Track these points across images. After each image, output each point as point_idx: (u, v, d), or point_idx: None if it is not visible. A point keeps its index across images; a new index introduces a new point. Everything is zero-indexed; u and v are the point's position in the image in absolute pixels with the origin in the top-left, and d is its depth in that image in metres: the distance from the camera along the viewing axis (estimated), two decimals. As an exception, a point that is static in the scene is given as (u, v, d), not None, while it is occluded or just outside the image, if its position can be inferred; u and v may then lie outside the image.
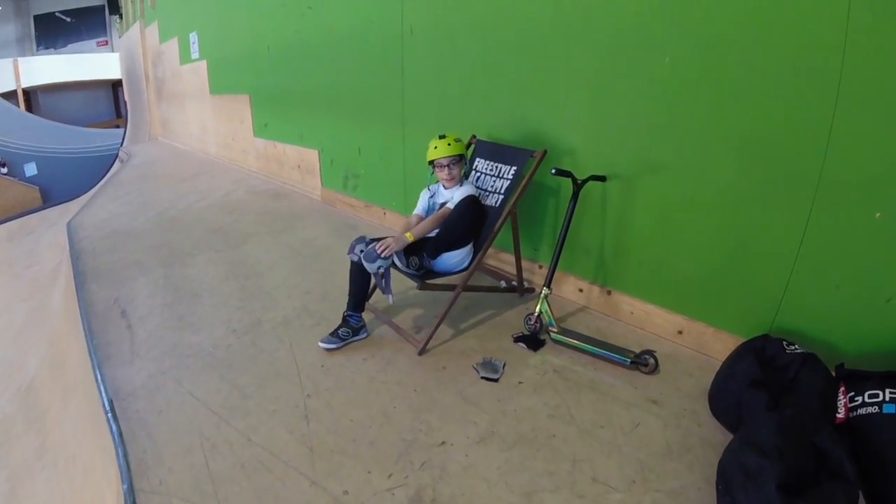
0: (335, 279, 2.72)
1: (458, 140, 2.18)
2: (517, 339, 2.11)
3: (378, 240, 2.04)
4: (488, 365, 1.94)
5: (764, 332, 1.71)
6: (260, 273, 2.94)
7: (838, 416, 1.41)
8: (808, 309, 1.68)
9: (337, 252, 3.11)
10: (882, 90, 1.44)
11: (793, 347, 1.58)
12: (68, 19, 17.18)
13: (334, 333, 2.07)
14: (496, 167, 2.35)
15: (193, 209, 4.47)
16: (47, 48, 17.22)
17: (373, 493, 1.41)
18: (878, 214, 1.49)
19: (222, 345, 2.19)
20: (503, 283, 2.40)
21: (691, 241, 1.96)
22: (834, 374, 1.51)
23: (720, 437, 1.56)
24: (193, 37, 6.48)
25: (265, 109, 5.16)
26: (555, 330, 2.04)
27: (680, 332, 2.04)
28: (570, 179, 2.08)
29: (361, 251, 1.99)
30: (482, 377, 1.88)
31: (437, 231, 2.12)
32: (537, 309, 2.09)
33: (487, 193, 2.33)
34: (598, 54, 2.10)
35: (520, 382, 1.86)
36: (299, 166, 4.63)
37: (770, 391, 1.48)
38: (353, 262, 2.08)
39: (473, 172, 2.45)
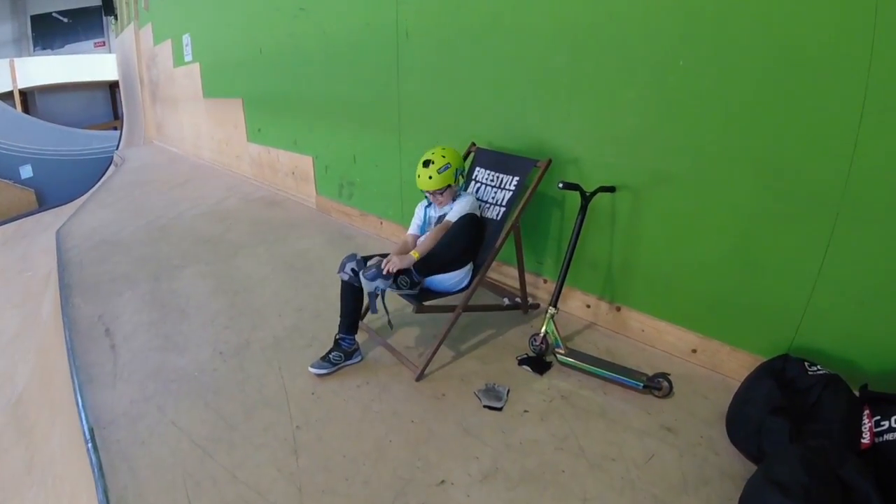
0: (329, 294, 2.59)
1: (444, 168, 1.99)
2: (521, 362, 1.99)
3: (370, 258, 1.92)
4: (491, 392, 1.82)
5: (782, 351, 1.64)
6: (250, 288, 2.82)
7: (863, 441, 1.34)
8: (829, 327, 1.61)
9: (331, 264, 2.95)
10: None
11: (815, 368, 1.51)
12: (65, 20, 17.04)
13: (325, 358, 1.95)
14: (497, 177, 2.23)
15: (185, 217, 4.35)
16: (44, 49, 17.09)
17: (366, 543, 1.30)
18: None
19: (208, 368, 2.07)
20: (506, 301, 2.28)
21: (706, 256, 1.86)
22: (857, 395, 1.44)
23: (739, 466, 1.47)
24: (186, 39, 6.36)
25: (258, 114, 5.04)
26: (562, 352, 1.92)
27: (693, 351, 1.95)
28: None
29: (353, 270, 1.87)
30: (484, 406, 1.76)
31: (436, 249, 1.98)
32: (543, 329, 1.97)
33: (488, 205, 2.20)
34: (605, 59, 1.98)
35: (525, 411, 1.75)
36: (293, 173, 4.51)
37: (792, 417, 1.40)
38: (343, 282, 1.96)
39: (473, 183, 2.32)
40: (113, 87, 16.10)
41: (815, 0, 1.46)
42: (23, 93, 15.61)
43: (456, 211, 2.02)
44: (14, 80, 15.17)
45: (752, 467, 1.40)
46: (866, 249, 1.50)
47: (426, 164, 2.01)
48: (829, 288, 1.57)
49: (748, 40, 1.61)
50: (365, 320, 2.18)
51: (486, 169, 2.30)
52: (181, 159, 7.43)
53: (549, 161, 2.08)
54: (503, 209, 2.14)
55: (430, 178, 1.99)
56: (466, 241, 1.98)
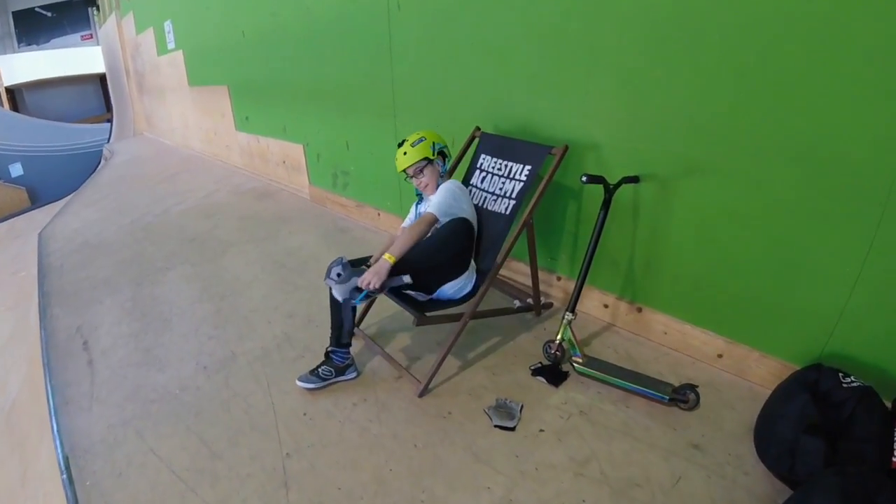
0: (322, 298, 2.37)
1: (418, 141, 1.88)
2: (535, 372, 1.79)
3: (359, 261, 1.73)
4: (502, 409, 1.63)
5: (814, 359, 1.54)
6: (238, 291, 2.61)
7: (894, 459, 1.25)
8: (865, 335, 1.47)
9: (326, 263, 2.73)
10: None
11: (849, 380, 1.40)
12: (49, 14, 16.53)
13: (314, 372, 1.76)
14: (506, 166, 1.99)
15: (171, 214, 4.13)
16: (29, 45, 16.63)
17: None
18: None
19: (191, 386, 1.89)
20: (517, 303, 2.06)
21: (736, 255, 1.66)
22: (890, 406, 1.36)
23: (769, 488, 1.35)
24: (168, 25, 6.04)
25: (245, 101, 4.77)
26: (579, 360, 1.72)
27: (720, 356, 1.77)
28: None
29: (339, 275, 1.65)
30: (496, 425, 1.57)
31: (416, 259, 1.71)
32: (559, 336, 1.77)
33: (495, 197, 1.97)
34: (629, 31, 1.72)
35: (541, 430, 1.55)
36: (284, 162, 4.26)
37: (826, 435, 1.31)
38: (331, 290, 1.75)
39: (477, 172, 2.08)
40: (104, 79, 15.72)
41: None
42: (10, 90, 15.31)
43: (435, 203, 1.79)
44: (-1, 78, 14.85)
45: (782, 487, 1.33)
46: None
47: (400, 145, 1.92)
48: (869, 293, 1.43)
49: (797, 12, 1.36)
50: (361, 326, 1.98)
51: (492, 156, 2.06)
52: (171, 151, 7.17)
53: (566, 148, 1.85)
54: (513, 202, 1.90)
55: (406, 153, 1.88)
56: (454, 249, 1.76)
